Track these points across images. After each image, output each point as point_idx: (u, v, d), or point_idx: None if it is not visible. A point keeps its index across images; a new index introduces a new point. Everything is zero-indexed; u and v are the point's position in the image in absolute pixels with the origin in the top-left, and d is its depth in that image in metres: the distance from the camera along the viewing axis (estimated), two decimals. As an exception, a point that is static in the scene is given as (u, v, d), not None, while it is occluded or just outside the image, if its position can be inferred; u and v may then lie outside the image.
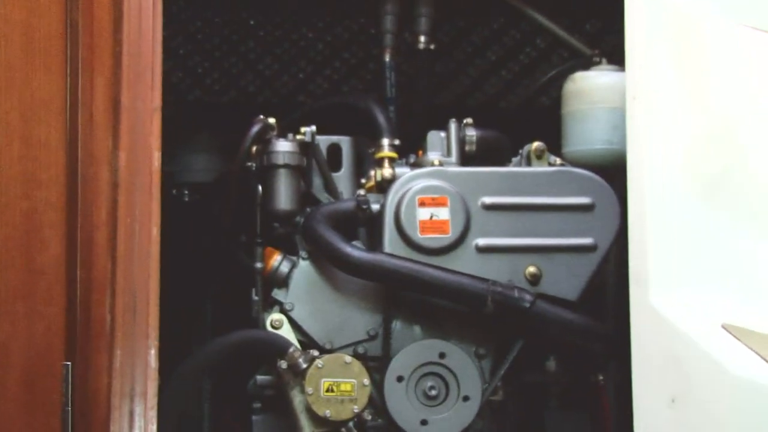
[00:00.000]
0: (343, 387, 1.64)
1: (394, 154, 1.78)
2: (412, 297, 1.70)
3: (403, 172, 1.72)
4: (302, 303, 1.72)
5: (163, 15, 1.47)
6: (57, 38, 1.30)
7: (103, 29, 1.37)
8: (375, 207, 1.71)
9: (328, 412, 1.63)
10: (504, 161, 1.81)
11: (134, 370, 1.39)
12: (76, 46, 1.32)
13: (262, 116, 1.73)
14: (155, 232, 1.45)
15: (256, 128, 1.72)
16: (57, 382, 1.28)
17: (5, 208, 1.28)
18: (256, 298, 1.75)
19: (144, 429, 1.40)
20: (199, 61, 2.01)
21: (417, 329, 1.72)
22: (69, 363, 1.29)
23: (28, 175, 1.29)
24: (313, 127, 1.77)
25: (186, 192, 2.05)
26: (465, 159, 1.78)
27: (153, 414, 1.42)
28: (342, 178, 1.84)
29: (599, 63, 1.84)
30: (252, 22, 2.03)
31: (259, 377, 1.73)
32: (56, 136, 1.29)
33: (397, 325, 1.72)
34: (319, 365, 1.65)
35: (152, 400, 1.41)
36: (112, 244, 1.36)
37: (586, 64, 1.84)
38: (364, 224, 1.75)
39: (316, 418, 1.66)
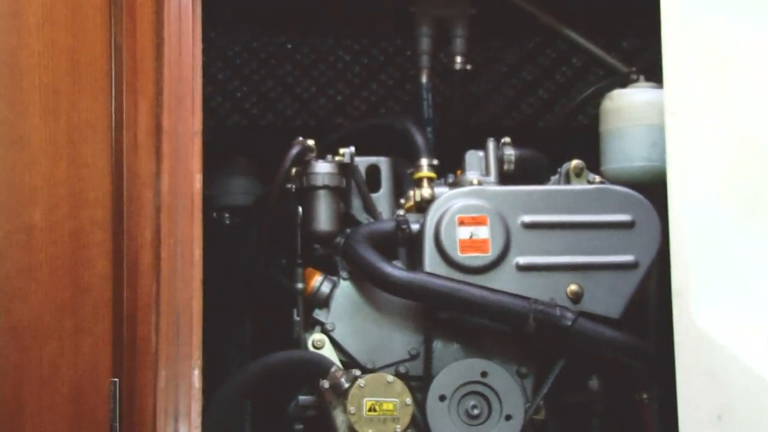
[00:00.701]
0: (385, 406, 1.65)
1: (432, 174, 1.79)
2: (452, 316, 1.70)
3: (442, 191, 1.72)
4: (343, 323, 1.73)
5: (202, 41, 1.49)
6: (102, 62, 1.33)
7: (146, 54, 1.39)
8: (414, 227, 1.71)
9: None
10: (542, 180, 1.81)
11: (178, 390, 1.40)
12: (120, 69, 1.34)
13: (301, 138, 1.75)
14: (198, 253, 1.47)
15: (295, 150, 1.73)
16: (104, 399, 1.30)
17: (54, 227, 1.31)
18: (297, 318, 1.76)
19: (188, 449, 1.41)
20: (237, 85, 2.03)
21: (458, 348, 1.72)
22: (116, 380, 1.30)
23: (75, 194, 1.31)
24: (352, 148, 1.78)
25: (226, 215, 2.06)
26: (503, 178, 1.79)
27: (197, 434, 1.42)
28: (381, 198, 1.84)
29: (636, 80, 1.84)
30: (289, 46, 2.05)
31: (301, 397, 1.74)
32: (102, 157, 1.32)
33: (438, 344, 1.72)
34: (361, 385, 1.65)
35: (196, 420, 1.43)
36: (156, 264, 1.38)
37: (623, 82, 1.84)
38: (404, 244, 1.75)
39: (359, 438, 1.66)
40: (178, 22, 1.50)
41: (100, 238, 1.31)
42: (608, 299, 1.66)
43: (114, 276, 1.33)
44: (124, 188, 1.33)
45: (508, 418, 1.67)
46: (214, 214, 2.06)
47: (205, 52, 1.52)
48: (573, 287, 1.66)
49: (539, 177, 1.82)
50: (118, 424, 1.30)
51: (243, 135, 2.09)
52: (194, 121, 1.50)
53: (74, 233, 1.32)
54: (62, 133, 1.32)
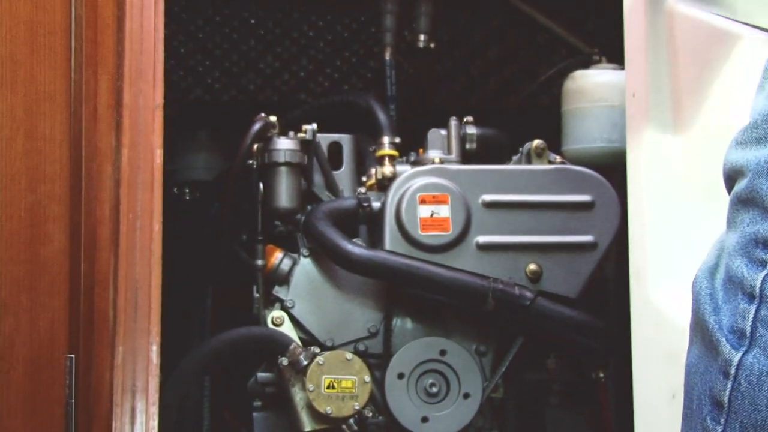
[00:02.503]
0: (344, 384, 1.65)
1: (394, 152, 1.79)
2: (412, 294, 1.71)
3: (404, 170, 1.73)
4: (303, 300, 1.73)
5: (165, 14, 1.48)
6: (61, 33, 1.31)
7: (107, 26, 1.38)
8: (376, 205, 1.72)
9: (329, 409, 1.64)
10: (504, 159, 1.82)
11: (136, 366, 1.39)
12: (80, 41, 1.32)
13: (263, 114, 1.74)
14: (157, 228, 1.46)
15: (257, 126, 1.73)
16: (60, 375, 1.29)
17: (10, 201, 1.29)
18: (257, 295, 1.76)
19: (145, 425, 1.40)
20: (200, 59, 2.01)
21: (418, 326, 1.73)
22: (73, 356, 1.29)
23: (32, 168, 1.29)
24: (315, 125, 1.78)
25: (187, 190, 2.06)
26: (465, 157, 1.79)
27: (154, 410, 1.42)
28: (343, 176, 1.85)
29: (599, 61, 1.85)
30: (252, 21, 2.03)
31: (260, 374, 1.74)
32: (60, 131, 1.30)
33: (397, 322, 1.73)
34: (320, 362, 1.65)
35: (154, 396, 1.42)
36: (115, 239, 1.36)
37: (586, 63, 1.85)
38: (365, 222, 1.76)
39: (316, 415, 1.67)
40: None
41: (57, 213, 1.29)
42: (567, 279, 1.68)
43: (71, 251, 1.31)
44: (83, 162, 1.31)
45: (466, 396, 1.68)
46: (175, 189, 2.05)
47: (168, 25, 1.50)
48: (532, 267, 1.67)
49: (501, 156, 1.83)
50: (74, 401, 1.29)
51: (205, 110, 2.08)
52: (155, 95, 1.48)
53: (31, 208, 1.30)
54: (20, 106, 1.30)
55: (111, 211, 1.36)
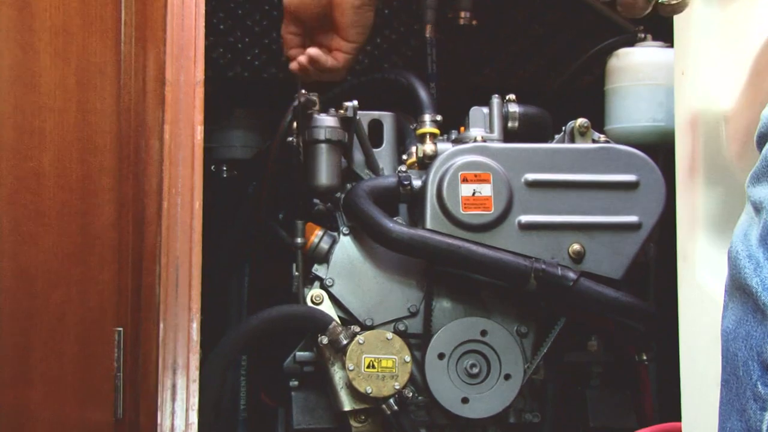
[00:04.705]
0: (384, 363, 1.66)
1: (435, 130, 1.78)
2: (453, 274, 1.71)
3: (445, 148, 1.72)
4: (343, 279, 1.74)
5: (205, -8, 1.49)
6: (112, 4, 1.32)
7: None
8: (416, 183, 1.71)
9: (369, 389, 1.65)
10: (547, 138, 1.82)
11: (177, 343, 1.41)
12: (130, 13, 1.33)
13: (303, 91, 1.74)
14: (197, 206, 1.47)
15: (297, 103, 1.73)
16: (110, 348, 1.31)
17: (63, 172, 1.31)
18: (296, 273, 1.76)
19: (186, 402, 1.42)
20: (239, 36, 2.01)
21: (458, 307, 1.74)
22: (121, 329, 1.31)
23: (84, 140, 1.31)
24: (355, 102, 1.78)
25: (224, 168, 2.07)
26: (508, 135, 1.79)
27: (195, 388, 1.44)
28: (383, 154, 1.85)
29: (644, 39, 1.83)
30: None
31: (299, 353, 1.75)
32: (110, 103, 1.31)
33: (438, 302, 1.74)
34: (360, 341, 1.66)
35: (194, 373, 1.44)
36: (159, 214, 1.38)
37: (631, 41, 1.84)
38: (406, 201, 1.75)
39: (356, 395, 1.68)
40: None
41: (107, 185, 1.31)
42: (610, 260, 1.67)
43: (120, 224, 1.33)
44: (131, 136, 1.33)
45: (507, 377, 1.69)
46: (212, 167, 2.06)
47: (208, 1, 1.51)
48: (575, 247, 1.66)
49: (544, 135, 1.82)
50: (121, 375, 1.31)
51: (244, 87, 2.08)
52: (196, 71, 1.50)
53: (82, 179, 1.32)
54: (71, 77, 1.31)
55: (157, 185, 1.38)
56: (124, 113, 1.32)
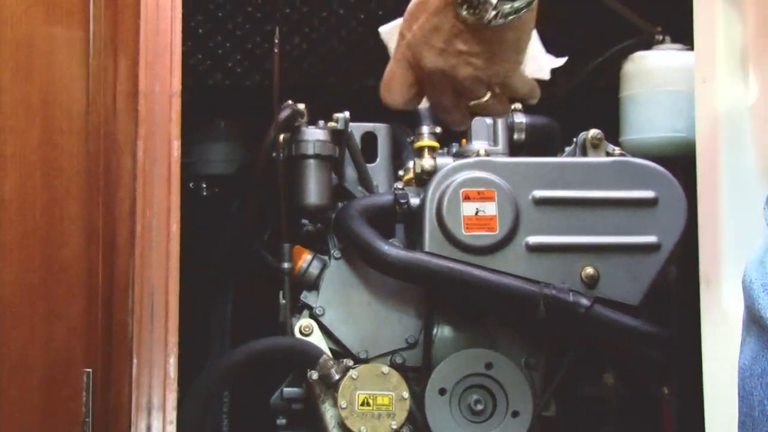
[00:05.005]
0: (379, 400, 1.63)
1: (435, 143, 1.77)
2: (455, 301, 1.69)
3: (446, 162, 1.70)
4: (334, 307, 1.71)
5: (182, -7, 1.47)
6: (79, 14, 1.29)
7: (128, 5, 1.36)
8: (414, 201, 1.69)
9: (363, 428, 1.62)
10: (556, 150, 1.80)
11: (152, 380, 1.39)
12: (99, 22, 1.30)
13: (290, 101, 1.72)
14: (175, 228, 1.46)
15: (284, 115, 1.71)
16: (77, 392, 1.28)
17: (25, 198, 1.28)
18: (283, 301, 1.74)
19: (162, 445, 1.40)
20: (219, 41, 1.99)
21: (461, 337, 1.71)
22: (90, 370, 1.28)
23: (49, 162, 1.28)
24: (347, 114, 1.75)
25: (204, 185, 2.05)
26: (513, 148, 1.77)
27: (172, 429, 1.42)
28: (378, 169, 1.83)
29: (662, 41, 1.82)
30: (277, -3, 2.01)
31: (286, 389, 1.73)
32: (78, 121, 1.28)
33: (438, 332, 1.71)
34: (354, 376, 1.64)
35: (171, 413, 1.42)
36: (131, 240, 1.36)
37: (647, 43, 1.82)
38: (403, 221, 1.73)
39: (349, 435, 1.65)
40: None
41: (74, 212, 1.28)
42: (627, 284, 1.65)
43: (89, 254, 1.30)
44: (101, 156, 1.30)
45: (515, 414, 1.66)
46: (191, 184, 2.04)
47: (185, 3, 1.49)
48: (588, 270, 1.64)
49: (553, 147, 1.80)
50: (90, 420, 1.28)
51: (225, 96, 2.06)
52: (173, 81, 1.48)
53: (47, 206, 1.29)
54: (36, 94, 1.28)
55: (129, 209, 1.35)
56: (93, 132, 1.29)
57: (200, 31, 1.97)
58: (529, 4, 0.92)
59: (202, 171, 2.03)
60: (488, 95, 1.02)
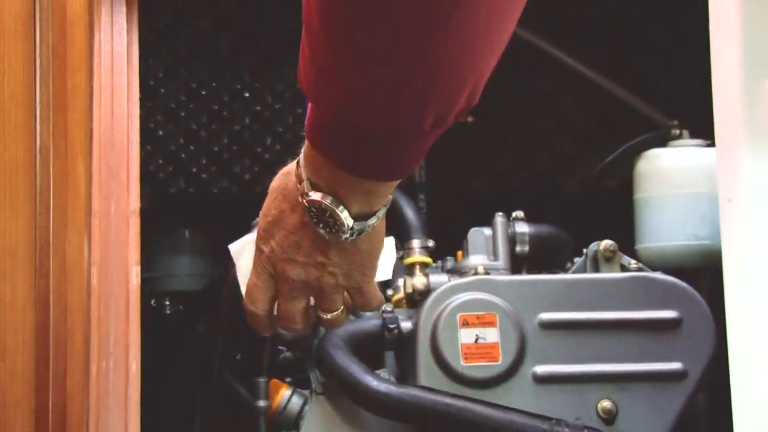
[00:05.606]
0: None
1: (427, 259, 1.78)
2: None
3: (440, 281, 1.72)
4: (318, 450, 1.71)
5: (140, 90, 1.50)
6: (25, 170, 1.29)
7: (79, 152, 1.37)
8: (406, 326, 1.71)
9: None
10: (564, 263, 1.82)
11: None
12: (47, 176, 1.31)
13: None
14: (135, 368, 1.46)
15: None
16: None
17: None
18: (259, 444, 1.73)
19: None
20: (182, 144, 2.02)
21: (462, 482, 1.71)
22: None
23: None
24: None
25: (167, 302, 2.05)
26: (516, 263, 1.79)
27: None
28: (363, 289, 1.83)
29: (679, 136, 1.84)
30: (246, 95, 2.04)
31: None
32: (24, 292, 1.28)
33: (436, 477, 1.70)
34: None
35: None
36: (87, 385, 1.35)
37: (663, 138, 1.85)
38: (393, 348, 1.74)
39: None
40: (110, 74, 1.50)
41: (20, 396, 1.27)
42: (650, 418, 1.65)
43: (38, 397, 1.28)
44: (50, 328, 1.30)
45: None
46: (152, 301, 2.04)
47: (142, 103, 1.51)
48: (605, 404, 1.64)
49: (560, 261, 1.82)
50: None
51: (190, 204, 2.08)
52: (130, 198, 1.49)
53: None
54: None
55: (82, 347, 1.35)
56: (41, 300, 1.29)
57: (160, 132, 2.00)
58: (378, 218, 1.04)
59: (164, 287, 2.04)
60: (341, 308, 1.15)
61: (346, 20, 0.82)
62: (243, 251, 1.23)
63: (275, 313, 1.16)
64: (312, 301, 1.15)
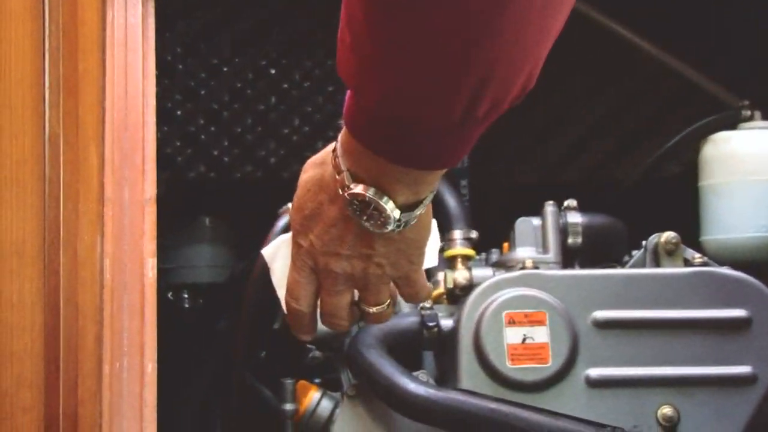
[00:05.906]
0: None
1: (470, 251, 1.77)
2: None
3: (484, 275, 1.70)
4: (349, 458, 1.70)
5: (156, 67, 1.48)
6: (33, 161, 1.29)
7: (91, 138, 1.36)
8: (446, 324, 1.69)
9: None
10: (621, 257, 1.80)
11: None
12: (56, 168, 1.30)
13: (290, 204, 1.72)
14: (151, 368, 1.44)
15: (282, 222, 1.72)
16: None
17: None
18: (286, 451, 1.73)
19: None
20: (202, 125, 2.01)
21: (507, 495, 1.69)
22: None
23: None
24: (358, 213, 1.76)
25: (185, 295, 2.05)
26: (568, 256, 1.77)
27: None
28: (400, 284, 1.82)
29: (750, 118, 1.83)
30: (272, 72, 2.02)
31: None
32: (31, 292, 1.28)
33: (479, 488, 1.69)
34: None
35: None
36: (100, 387, 1.35)
37: (732, 120, 1.83)
38: (432, 348, 1.73)
39: None
40: (123, 48, 1.49)
41: (29, 403, 1.27)
42: (715, 427, 1.63)
43: (47, 401, 1.29)
44: (60, 329, 1.29)
45: None
46: (170, 294, 2.04)
47: (159, 80, 1.49)
48: (666, 410, 1.62)
49: (617, 254, 1.80)
50: None
51: (210, 190, 2.07)
52: (145, 184, 1.48)
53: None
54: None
55: (94, 347, 1.34)
56: (50, 302, 1.29)
57: (178, 113, 1.98)
58: (425, 206, 1.05)
59: (182, 279, 2.05)
60: (388, 301, 1.17)
61: (396, 9, 0.81)
62: (277, 254, 1.24)
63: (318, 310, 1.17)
64: (356, 295, 1.16)
